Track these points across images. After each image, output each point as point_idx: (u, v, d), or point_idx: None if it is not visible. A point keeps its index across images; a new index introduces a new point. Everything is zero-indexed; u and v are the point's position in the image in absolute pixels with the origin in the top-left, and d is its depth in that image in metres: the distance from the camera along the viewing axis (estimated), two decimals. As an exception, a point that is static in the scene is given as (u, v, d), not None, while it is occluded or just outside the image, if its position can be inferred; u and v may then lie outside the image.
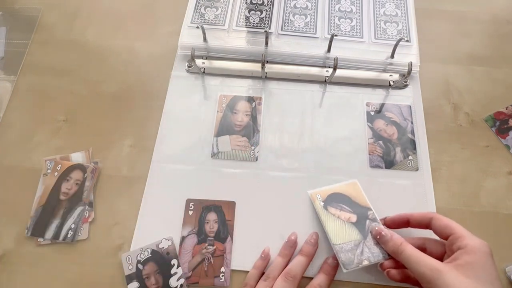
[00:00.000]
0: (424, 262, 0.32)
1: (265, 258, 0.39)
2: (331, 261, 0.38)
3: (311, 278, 0.38)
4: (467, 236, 0.32)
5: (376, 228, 0.38)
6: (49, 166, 0.44)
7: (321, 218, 0.40)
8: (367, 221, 0.39)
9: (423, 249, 0.36)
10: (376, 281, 0.38)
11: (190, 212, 0.42)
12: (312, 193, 0.42)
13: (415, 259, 0.33)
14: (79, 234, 0.41)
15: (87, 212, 0.42)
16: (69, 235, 0.41)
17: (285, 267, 0.37)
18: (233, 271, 0.39)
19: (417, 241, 0.36)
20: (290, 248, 0.39)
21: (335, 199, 0.41)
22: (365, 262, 0.36)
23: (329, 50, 0.49)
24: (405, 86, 0.49)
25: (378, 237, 0.37)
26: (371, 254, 0.37)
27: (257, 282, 0.37)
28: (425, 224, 0.36)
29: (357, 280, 0.39)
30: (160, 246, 0.40)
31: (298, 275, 0.36)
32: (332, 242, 0.38)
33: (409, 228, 0.38)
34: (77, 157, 0.45)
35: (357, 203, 0.41)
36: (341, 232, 0.38)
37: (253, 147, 0.45)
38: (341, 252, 0.37)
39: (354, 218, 0.39)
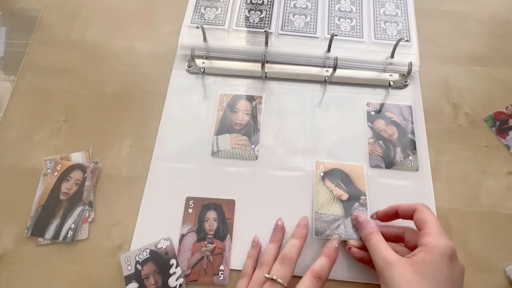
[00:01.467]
0: (380, 253, 0.33)
1: (256, 246, 0.39)
2: (332, 243, 0.37)
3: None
4: (432, 234, 0.33)
5: (355, 213, 0.39)
6: (49, 166, 0.44)
7: (314, 187, 0.42)
8: (356, 204, 0.41)
9: (401, 238, 0.37)
10: (376, 281, 0.38)
11: (190, 210, 0.42)
12: (318, 162, 0.44)
13: (375, 249, 0.34)
14: (79, 234, 0.41)
15: (87, 212, 0.42)
16: (69, 235, 0.41)
17: (278, 253, 0.37)
18: (232, 269, 0.39)
19: (397, 230, 0.37)
20: (279, 233, 0.39)
21: (335, 175, 0.43)
22: (336, 236, 0.38)
23: (329, 50, 0.49)
24: (405, 86, 0.49)
25: (355, 222, 0.38)
26: (345, 232, 0.39)
27: (254, 272, 0.37)
28: (410, 215, 0.37)
29: (357, 280, 0.39)
30: (159, 246, 0.40)
31: (294, 257, 0.36)
32: (314, 209, 0.40)
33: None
34: (77, 157, 0.45)
35: (354, 185, 0.42)
36: (326, 205, 0.41)
37: (253, 146, 0.45)
38: (318, 220, 0.40)
39: (345, 197, 0.41)
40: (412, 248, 0.34)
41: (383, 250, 0.34)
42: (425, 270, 0.31)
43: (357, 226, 0.38)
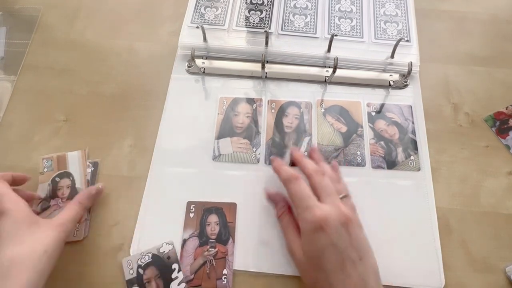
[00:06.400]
0: (288, 243, 0.36)
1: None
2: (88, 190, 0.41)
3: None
4: (298, 217, 0.35)
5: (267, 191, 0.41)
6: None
7: (317, 122, 0.46)
8: (354, 135, 0.45)
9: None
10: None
11: (191, 215, 0.42)
12: (318, 100, 0.48)
13: (286, 242, 0.37)
14: (74, 235, 0.41)
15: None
16: None
17: None
18: (235, 273, 0.39)
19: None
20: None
21: (335, 110, 0.47)
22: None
23: (329, 50, 0.49)
24: (405, 86, 0.49)
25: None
26: (344, 159, 0.44)
27: None
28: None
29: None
30: (161, 250, 0.40)
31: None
32: (317, 142, 0.45)
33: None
34: (73, 156, 0.45)
35: (352, 118, 0.47)
36: (328, 136, 0.45)
37: (254, 149, 0.45)
38: (320, 150, 0.44)
39: (344, 129, 0.46)
40: None
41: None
42: (308, 255, 0.33)
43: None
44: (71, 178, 0.44)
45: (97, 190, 0.42)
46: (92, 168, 0.44)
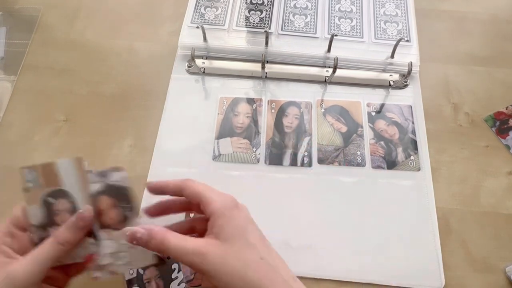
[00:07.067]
0: (187, 250, 0.28)
1: None
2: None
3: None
4: (212, 200, 0.30)
5: (128, 233, 0.29)
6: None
7: (317, 122, 0.46)
8: (354, 135, 0.45)
9: (193, 231, 0.33)
10: (376, 281, 0.38)
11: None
12: (318, 100, 0.48)
13: (180, 250, 0.28)
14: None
15: None
16: None
17: None
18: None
19: (186, 225, 0.33)
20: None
21: (335, 110, 0.47)
22: (336, 164, 0.44)
23: (329, 50, 0.49)
24: (405, 86, 0.49)
25: (134, 242, 0.29)
26: (344, 159, 0.44)
27: None
28: (181, 195, 0.32)
29: (358, 280, 0.39)
30: None
31: None
32: (317, 142, 0.45)
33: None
34: (66, 167, 0.31)
35: (352, 118, 0.47)
36: (327, 136, 0.45)
37: (254, 149, 0.45)
38: (320, 150, 0.45)
39: (344, 129, 0.46)
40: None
41: (189, 244, 0.28)
42: (231, 234, 0.29)
43: (141, 244, 0.29)
44: (69, 199, 0.31)
45: (79, 216, 0.30)
46: None
